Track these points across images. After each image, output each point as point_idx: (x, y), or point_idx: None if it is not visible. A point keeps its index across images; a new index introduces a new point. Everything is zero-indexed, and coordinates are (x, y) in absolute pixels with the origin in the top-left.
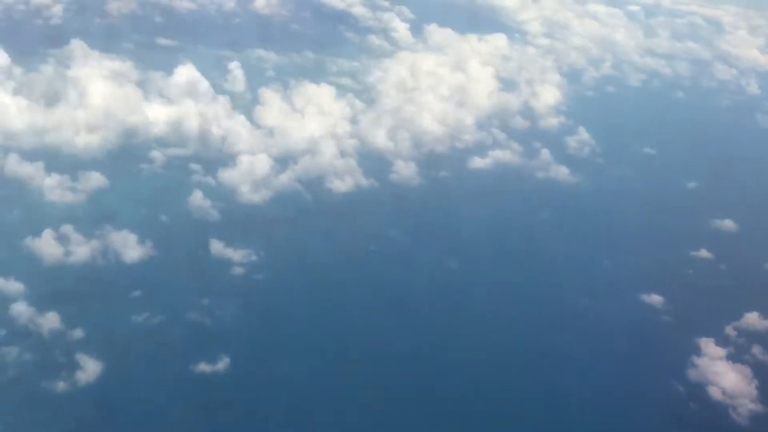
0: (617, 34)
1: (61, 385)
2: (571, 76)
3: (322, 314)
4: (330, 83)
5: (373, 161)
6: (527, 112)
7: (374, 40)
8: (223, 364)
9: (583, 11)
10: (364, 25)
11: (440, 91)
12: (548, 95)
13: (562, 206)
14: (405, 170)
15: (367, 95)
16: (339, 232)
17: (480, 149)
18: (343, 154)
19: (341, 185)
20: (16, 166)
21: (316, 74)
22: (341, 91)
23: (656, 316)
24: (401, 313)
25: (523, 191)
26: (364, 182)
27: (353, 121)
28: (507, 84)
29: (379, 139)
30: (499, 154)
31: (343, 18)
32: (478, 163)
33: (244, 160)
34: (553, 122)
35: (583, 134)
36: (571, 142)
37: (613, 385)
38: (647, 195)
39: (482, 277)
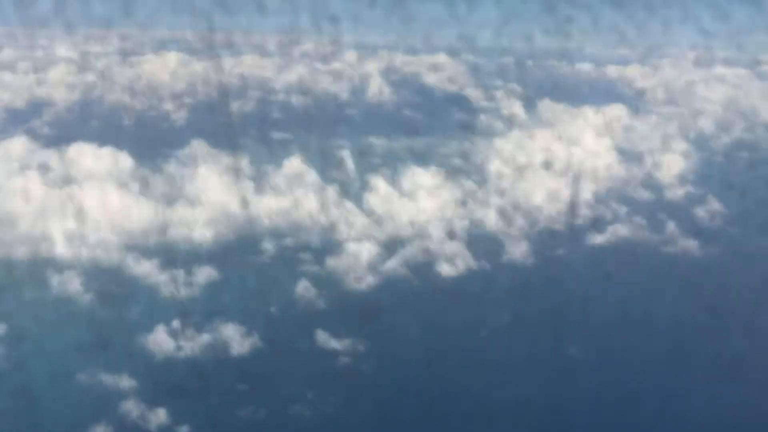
0: (748, 96)
1: None
2: (699, 142)
3: (431, 405)
4: (440, 165)
5: (483, 243)
6: (650, 183)
7: (486, 119)
8: None
9: (709, 75)
10: (476, 105)
11: (555, 167)
12: (673, 164)
13: (692, 283)
14: (518, 251)
15: (479, 176)
16: (449, 318)
17: (599, 225)
18: (452, 236)
19: (451, 269)
20: (134, 263)
21: (426, 157)
22: (451, 172)
23: None
24: (515, 406)
25: (648, 268)
26: (475, 265)
27: (463, 202)
28: (627, 155)
29: (490, 219)
30: (619, 229)
31: (454, 100)
32: (597, 239)
33: (352, 247)
34: (679, 192)
35: (714, 203)
36: (701, 212)
37: None
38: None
39: (605, 366)
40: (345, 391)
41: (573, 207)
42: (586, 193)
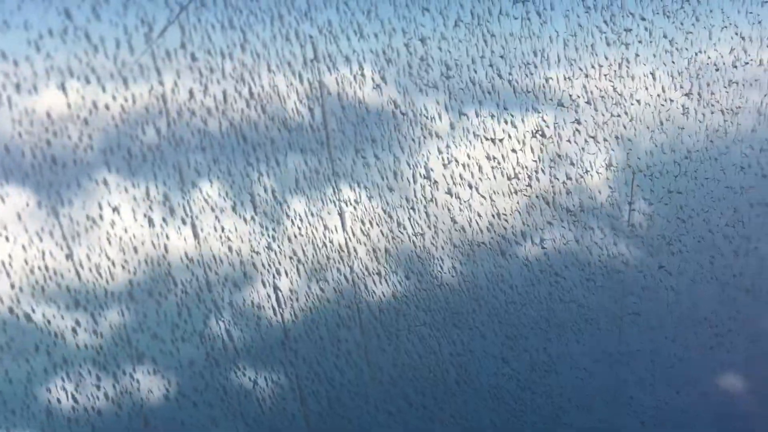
0: (675, 95)
1: None
2: (626, 145)
3: None
4: (362, 182)
5: (411, 261)
6: (579, 189)
7: (409, 131)
8: None
9: (632, 75)
10: (399, 117)
11: (480, 178)
12: (602, 168)
13: (624, 289)
14: (447, 266)
15: (403, 191)
16: (375, 345)
17: (527, 234)
18: (377, 257)
19: (376, 291)
20: (36, 310)
21: (350, 174)
22: (374, 189)
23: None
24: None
25: (580, 276)
26: (402, 286)
27: (388, 220)
28: (555, 162)
29: (418, 236)
30: (549, 237)
31: (376, 113)
32: (526, 250)
33: (272, 276)
34: (608, 197)
35: (644, 207)
36: (631, 217)
37: None
38: (725, 271)
39: (538, 387)
40: (267, 430)
41: (503, 218)
42: (516, 203)
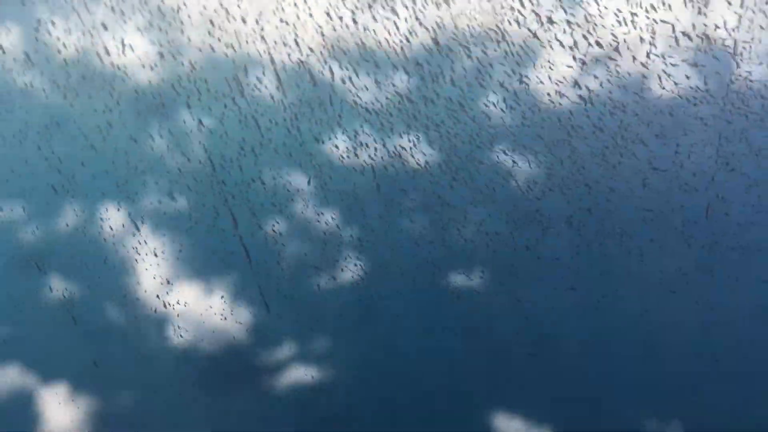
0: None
1: (323, 282)
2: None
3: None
4: None
5: (713, 57)
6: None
7: None
8: (479, 279)
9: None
10: None
11: None
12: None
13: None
14: (755, 68)
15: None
16: (653, 148)
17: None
18: (676, 48)
19: (664, 86)
20: (331, 67)
21: None
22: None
23: None
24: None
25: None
26: (701, 83)
27: (696, 5)
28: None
29: (727, 26)
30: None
31: None
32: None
33: (557, 57)
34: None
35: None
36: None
37: None
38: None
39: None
40: (515, 211)
41: None
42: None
